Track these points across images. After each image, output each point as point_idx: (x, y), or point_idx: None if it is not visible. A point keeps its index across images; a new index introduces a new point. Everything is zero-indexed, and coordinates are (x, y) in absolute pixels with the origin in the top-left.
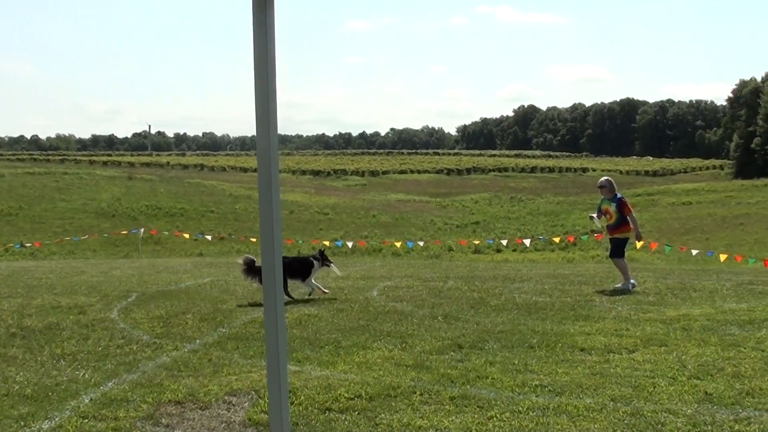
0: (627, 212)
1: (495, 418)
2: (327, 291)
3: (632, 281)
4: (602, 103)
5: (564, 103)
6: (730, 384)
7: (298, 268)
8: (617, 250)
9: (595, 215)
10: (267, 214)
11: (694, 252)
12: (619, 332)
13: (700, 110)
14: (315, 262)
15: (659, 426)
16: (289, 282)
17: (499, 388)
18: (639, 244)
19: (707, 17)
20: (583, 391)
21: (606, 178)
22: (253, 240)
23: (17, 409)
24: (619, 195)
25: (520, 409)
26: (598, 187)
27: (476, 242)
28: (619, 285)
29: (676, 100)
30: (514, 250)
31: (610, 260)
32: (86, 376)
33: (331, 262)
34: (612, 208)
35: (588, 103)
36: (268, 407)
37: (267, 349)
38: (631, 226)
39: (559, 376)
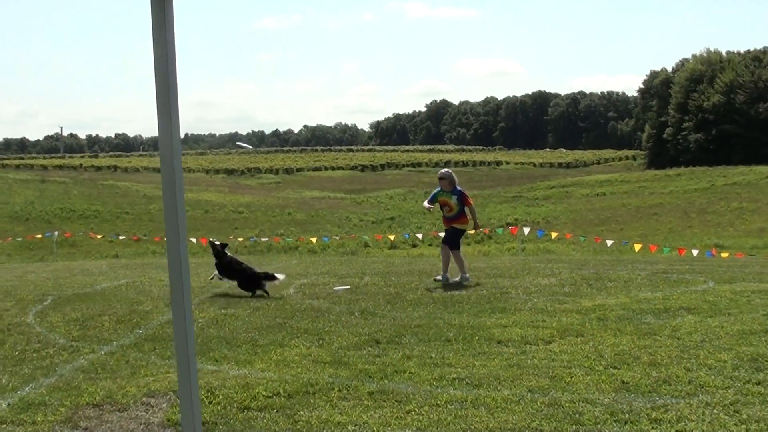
0: (468, 204)
1: (413, 412)
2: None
3: (467, 275)
4: (514, 96)
5: (476, 97)
6: (646, 372)
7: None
8: (454, 240)
9: (427, 204)
10: (172, 213)
11: (609, 242)
12: (536, 324)
13: (612, 101)
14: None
15: (577, 415)
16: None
17: (417, 382)
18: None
19: (617, 9)
20: (501, 383)
21: (446, 170)
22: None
23: None
24: (459, 188)
25: (439, 402)
26: (439, 179)
27: (392, 237)
28: (456, 279)
29: (588, 92)
30: (430, 245)
31: (522, 252)
32: (3, 381)
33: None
34: (453, 200)
35: (500, 97)
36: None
37: (176, 348)
38: (469, 217)
39: (476, 368)
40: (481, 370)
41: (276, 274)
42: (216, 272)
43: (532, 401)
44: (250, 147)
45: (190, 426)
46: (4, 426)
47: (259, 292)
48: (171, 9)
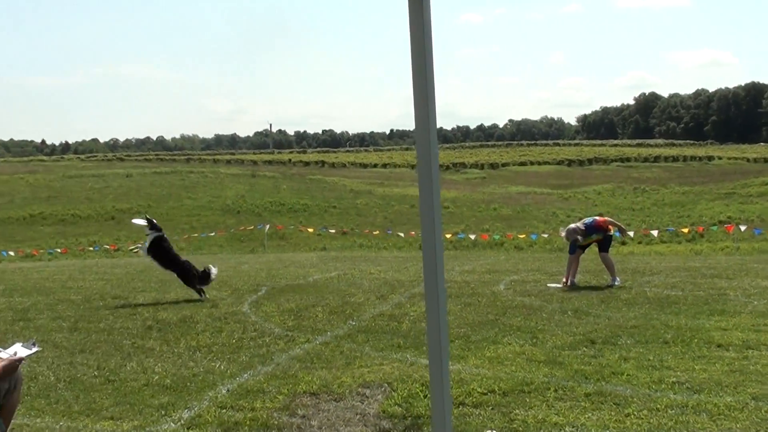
0: (605, 226)
1: (632, 416)
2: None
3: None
4: (727, 88)
5: (686, 89)
6: None
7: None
8: (603, 245)
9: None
10: (428, 210)
11: None
12: (757, 328)
13: None
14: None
15: None
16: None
17: (635, 384)
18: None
19: None
20: (723, 389)
21: (566, 231)
22: (376, 233)
23: (158, 398)
24: (586, 221)
25: (658, 406)
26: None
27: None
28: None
29: None
30: (640, 243)
31: (737, 252)
32: (222, 367)
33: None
34: (594, 236)
35: (712, 89)
36: (430, 403)
37: (429, 342)
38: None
39: (696, 372)
40: (701, 375)
41: (210, 268)
42: (140, 246)
43: (757, 409)
44: (144, 222)
45: (440, 422)
46: (224, 411)
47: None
48: (428, 5)
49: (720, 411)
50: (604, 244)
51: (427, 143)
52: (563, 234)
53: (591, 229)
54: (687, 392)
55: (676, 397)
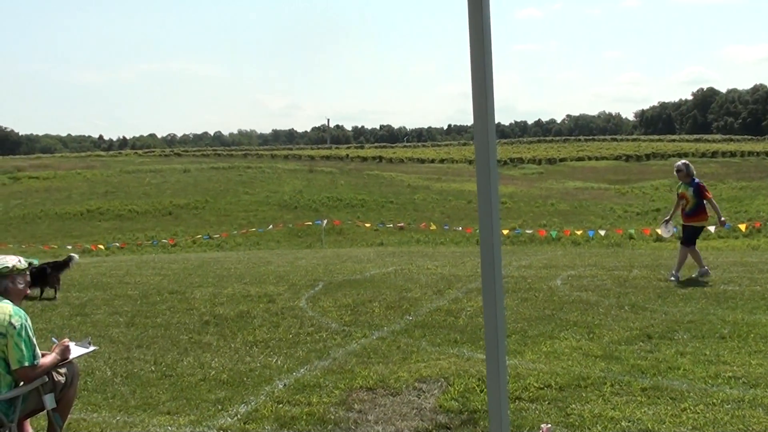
0: (706, 197)
1: (689, 410)
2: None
3: (705, 268)
4: None
5: (744, 84)
6: None
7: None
8: (690, 238)
9: (664, 226)
10: (486, 206)
11: None
12: None
13: None
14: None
15: None
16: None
17: (692, 379)
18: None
19: None
20: None
21: (683, 161)
22: (433, 228)
23: (214, 393)
24: (697, 180)
25: (714, 401)
26: (676, 171)
27: (658, 230)
28: (694, 274)
29: None
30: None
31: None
32: (278, 362)
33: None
34: (689, 193)
35: None
36: (487, 398)
37: (486, 338)
38: (710, 213)
39: (753, 367)
40: (757, 370)
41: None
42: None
43: None
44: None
45: (497, 416)
46: (281, 406)
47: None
48: (488, 2)
49: None
50: (689, 235)
51: (486, 138)
52: (663, 230)
53: (696, 187)
54: (743, 387)
55: (732, 392)
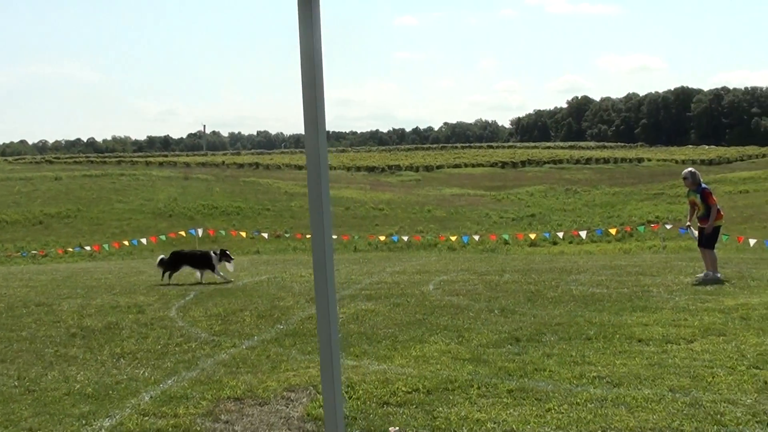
0: (709, 202)
1: (553, 410)
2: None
3: (718, 274)
4: (656, 92)
5: (618, 93)
6: None
7: (201, 260)
8: (710, 241)
9: (687, 230)
10: (317, 211)
11: (752, 241)
12: (677, 322)
13: (756, 97)
14: (214, 255)
15: (718, 416)
16: (198, 271)
17: (557, 380)
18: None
19: (760, 2)
20: (641, 382)
21: (688, 169)
22: (309, 236)
23: (78, 407)
24: (703, 185)
25: (578, 400)
26: (682, 179)
27: (532, 235)
28: (700, 275)
29: (731, 88)
30: (570, 242)
31: (664, 250)
32: (146, 374)
33: (231, 259)
34: (698, 199)
35: (642, 93)
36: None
37: (320, 344)
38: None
39: (617, 367)
40: (621, 369)
41: None
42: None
43: (673, 401)
44: None
45: (332, 421)
46: (147, 418)
47: None
48: (318, 7)
49: (638, 403)
50: (708, 239)
51: (316, 144)
52: (691, 233)
53: (702, 193)
54: (607, 386)
55: (596, 391)
